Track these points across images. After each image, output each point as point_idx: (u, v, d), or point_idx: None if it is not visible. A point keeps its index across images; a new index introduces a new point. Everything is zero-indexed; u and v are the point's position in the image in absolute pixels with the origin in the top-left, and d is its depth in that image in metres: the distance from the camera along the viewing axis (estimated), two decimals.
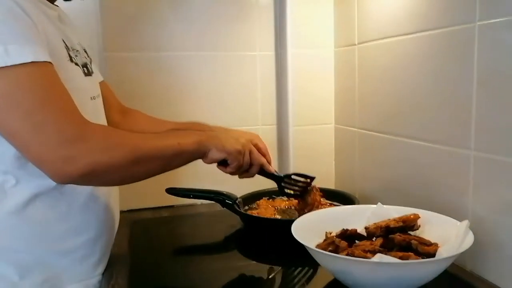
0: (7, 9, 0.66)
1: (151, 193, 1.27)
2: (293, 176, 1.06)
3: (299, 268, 0.92)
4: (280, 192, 1.06)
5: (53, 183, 0.74)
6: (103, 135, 0.73)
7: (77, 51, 0.85)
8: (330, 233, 0.86)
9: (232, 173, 0.94)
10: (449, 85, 0.89)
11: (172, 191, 1.13)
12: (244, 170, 0.95)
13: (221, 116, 1.32)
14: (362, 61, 1.23)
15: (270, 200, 1.22)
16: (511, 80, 0.74)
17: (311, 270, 0.89)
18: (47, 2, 0.81)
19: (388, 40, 1.09)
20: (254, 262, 1.00)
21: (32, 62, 0.66)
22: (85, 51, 0.91)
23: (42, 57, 0.67)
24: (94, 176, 0.71)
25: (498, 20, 0.76)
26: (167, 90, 1.29)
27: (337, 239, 0.79)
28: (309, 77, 1.40)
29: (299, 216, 0.91)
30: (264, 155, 0.99)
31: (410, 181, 1.05)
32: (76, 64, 0.82)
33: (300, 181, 1.06)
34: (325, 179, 1.41)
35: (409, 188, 1.05)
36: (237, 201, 1.12)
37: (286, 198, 1.22)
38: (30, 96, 0.66)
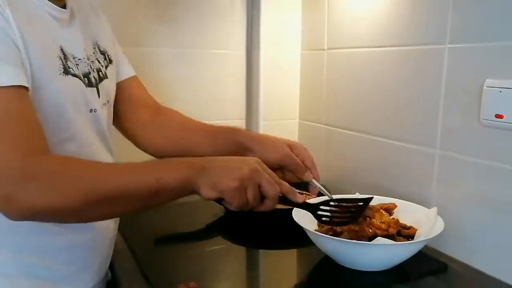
0: None
1: None
2: (332, 203, 0.84)
3: (284, 251, 1.01)
4: (317, 219, 0.85)
5: None
6: (53, 173, 0.64)
7: (85, 59, 0.82)
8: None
9: (241, 210, 0.75)
10: (417, 94, 1.03)
11: None
12: (256, 205, 0.74)
13: (194, 110, 1.33)
14: (331, 64, 1.35)
15: None
16: (475, 96, 0.89)
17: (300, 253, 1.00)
18: (55, 6, 0.77)
19: (359, 50, 1.21)
20: (236, 245, 1.05)
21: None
22: (104, 53, 0.88)
23: (14, 80, 0.64)
24: (37, 219, 0.66)
25: (467, 45, 0.90)
26: (143, 83, 1.32)
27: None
28: (277, 76, 1.52)
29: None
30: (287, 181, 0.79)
31: (375, 176, 1.17)
32: (75, 75, 0.77)
33: (345, 207, 0.85)
34: None
35: (375, 182, 1.18)
36: None
37: None
38: None
